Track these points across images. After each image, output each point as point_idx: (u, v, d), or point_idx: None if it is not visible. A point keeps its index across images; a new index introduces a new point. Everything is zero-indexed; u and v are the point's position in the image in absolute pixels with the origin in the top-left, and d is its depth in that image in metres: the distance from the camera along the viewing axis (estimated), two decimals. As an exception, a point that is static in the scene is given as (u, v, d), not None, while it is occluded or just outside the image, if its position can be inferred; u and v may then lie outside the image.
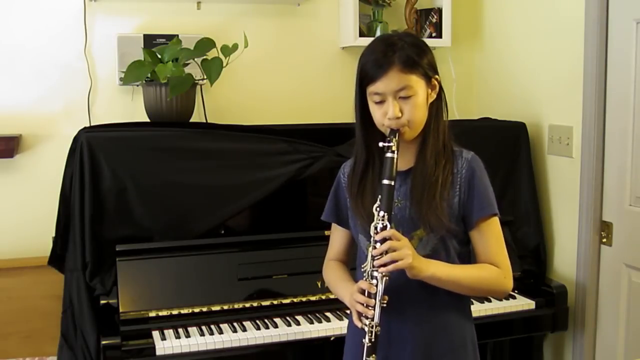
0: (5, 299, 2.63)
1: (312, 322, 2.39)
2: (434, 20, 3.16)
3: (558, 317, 2.70)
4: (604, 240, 2.66)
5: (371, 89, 1.63)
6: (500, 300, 2.61)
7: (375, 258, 1.57)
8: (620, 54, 2.56)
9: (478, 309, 2.53)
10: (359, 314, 1.60)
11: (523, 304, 2.64)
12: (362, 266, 1.62)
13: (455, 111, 3.24)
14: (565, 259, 2.84)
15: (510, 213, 2.85)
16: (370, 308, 1.57)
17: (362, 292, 1.59)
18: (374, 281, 1.57)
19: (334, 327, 2.36)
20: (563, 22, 2.80)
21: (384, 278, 1.57)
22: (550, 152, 2.90)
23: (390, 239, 1.56)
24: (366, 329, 1.57)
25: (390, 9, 3.17)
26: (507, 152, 2.90)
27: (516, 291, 2.72)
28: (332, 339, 2.33)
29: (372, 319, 1.57)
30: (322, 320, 2.40)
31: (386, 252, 1.55)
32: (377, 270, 1.57)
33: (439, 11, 3.16)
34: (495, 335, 2.65)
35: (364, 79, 1.64)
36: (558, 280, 2.79)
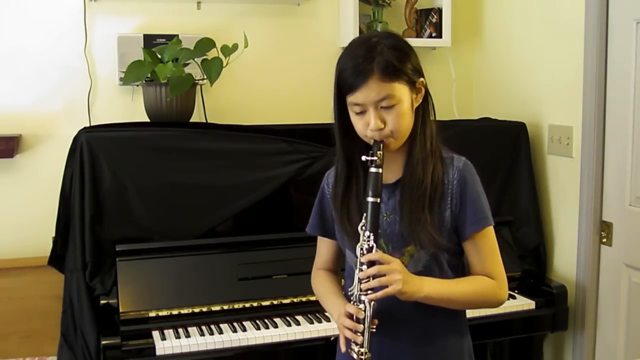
0: (5, 299, 2.63)
1: (312, 322, 2.39)
2: (434, 20, 3.16)
3: (558, 317, 2.70)
4: (604, 240, 2.66)
5: (350, 99, 1.49)
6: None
7: (363, 281, 1.46)
8: (620, 54, 2.56)
9: (478, 309, 2.52)
10: (347, 340, 1.50)
11: (523, 304, 2.64)
12: (350, 289, 1.52)
13: (455, 111, 3.25)
14: (565, 259, 2.84)
15: (510, 213, 2.85)
16: (359, 334, 1.47)
17: (350, 316, 1.49)
18: (362, 305, 1.47)
19: (334, 327, 2.33)
20: (563, 22, 2.80)
21: (372, 302, 1.47)
22: (550, 152, 2.90)
23: (378, 261, 1.45)
24: (355, 356, 1.47)
25: (390, 9, 3.17)
26: (507, 152, 2.90)
27: (516, 291, 2.71)
28: (332, 339, 2.32)
29: (362, 346, 1.47)
30: (322, 320, 2.41)
31: (374, 276, 1.45)
32: (365, 294, 1.46)
33: (439, 11, 3.16)
34: (495, 336, 2.65)
35: (342, 88, 1.50)
36: (558, 280, 2.79)
